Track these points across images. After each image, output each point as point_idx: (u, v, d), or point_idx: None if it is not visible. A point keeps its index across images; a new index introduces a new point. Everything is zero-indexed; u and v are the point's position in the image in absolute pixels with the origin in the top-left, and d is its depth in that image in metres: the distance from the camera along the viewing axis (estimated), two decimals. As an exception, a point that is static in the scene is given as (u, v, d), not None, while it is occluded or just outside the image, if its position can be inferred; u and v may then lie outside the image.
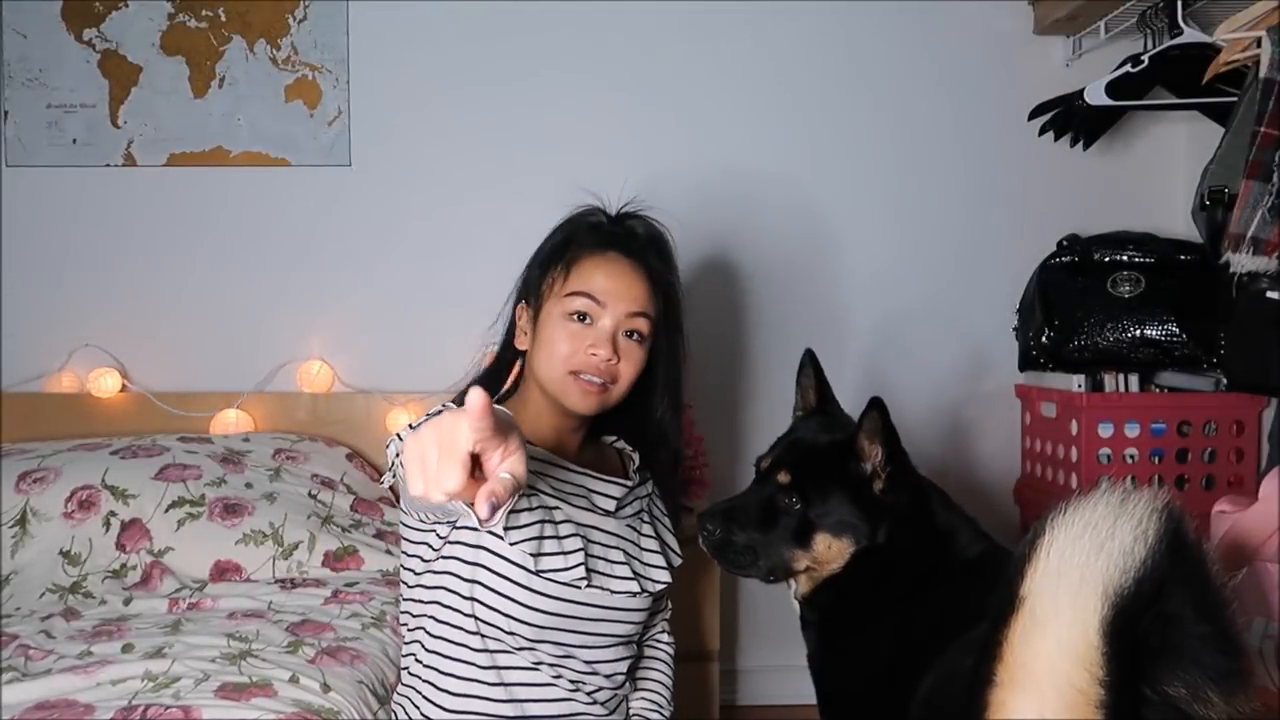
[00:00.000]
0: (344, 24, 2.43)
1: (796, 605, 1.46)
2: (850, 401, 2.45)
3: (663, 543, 1.50)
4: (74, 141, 2.42)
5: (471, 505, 0.86)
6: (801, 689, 1.49)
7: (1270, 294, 1.71)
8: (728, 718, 2.36)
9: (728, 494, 2.13)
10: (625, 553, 1.42)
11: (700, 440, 2.24)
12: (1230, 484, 2.18)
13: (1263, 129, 1.65)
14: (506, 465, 0.84)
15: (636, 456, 1.53)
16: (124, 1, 2.41)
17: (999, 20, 2.46)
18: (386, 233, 2.45)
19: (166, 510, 1.98)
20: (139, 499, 1.99)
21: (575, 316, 1.39)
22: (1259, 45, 1.68)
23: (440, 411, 1.25)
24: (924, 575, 1.34)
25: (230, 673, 1.46)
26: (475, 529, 1.34)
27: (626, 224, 1.48)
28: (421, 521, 1.36)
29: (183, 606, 1.80)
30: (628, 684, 1.50)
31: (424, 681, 1.38)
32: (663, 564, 1.47)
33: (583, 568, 1.34)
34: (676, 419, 1.50)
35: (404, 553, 1.43)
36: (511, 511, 1.25)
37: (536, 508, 1.33)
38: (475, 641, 1.35)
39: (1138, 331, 2.17)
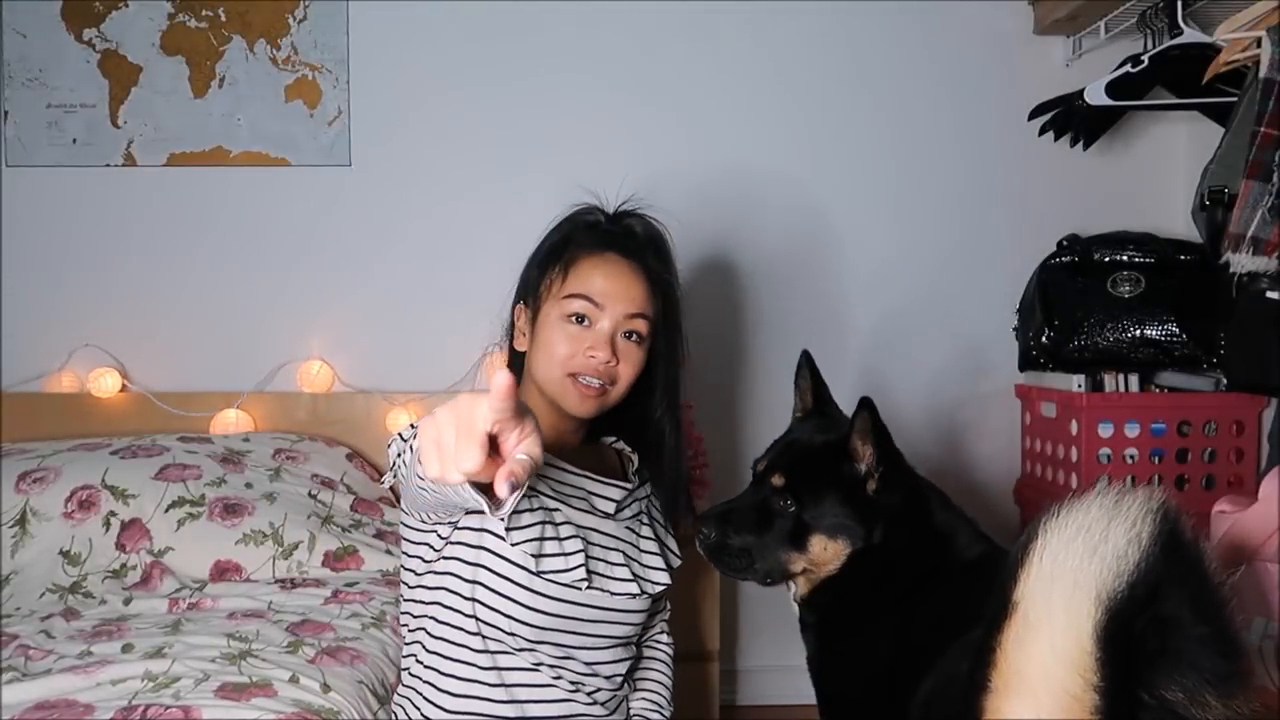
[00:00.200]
0: (344, 24, 2.43)
1: (795, 607, 1.46)
2: (851, 401, 2.45)
3: (662, 544, 1.50)
4: (74, 141, 2.42)
5: (483, 490, 0.86)
6: (801, 689, 1.49)
7: (1270, 294, 1.71)
8: (728, 718, 2.36)
9: (728, 494, 2.13)
10: (625, 554, 1.42)
11: (700, 440, 2.24)
12: (1230, 484, 2.18)
13: (1263, 129, 1.65)
14: (524, 447, 0.84)
15: (635, 458, 1.53)
16: (124, 1, 2.41)
17: (999, 20, 2.46)
18: (386, 233, 2.46)
19: (166, 510, 1.98)
20: (139, 499, 1.99)
21: (573, 318, 1.39)
22: (1259, 45, 1.68)
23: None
24: (923, 576, 1.34)
25: (230, 673, 1.46)
26: (477, 529, 1.34)
27: (624, 223, 1.48)
28: (423, 522, 1.36)
29: (183, 606, 1.80)
30: (627, 685, 1.50)
31: (424, 682, 1.38)
32: (662, 565, 1.47)
33: (583, 569, 1.34)
34: (675, 419, 1.50)
35: (404, 553, 1.43)
36: (513, 513, 1.25)
37: (537, 509, 1.33)
38: (476, 642, 1.35)
39: (1138, 331, 2.17)
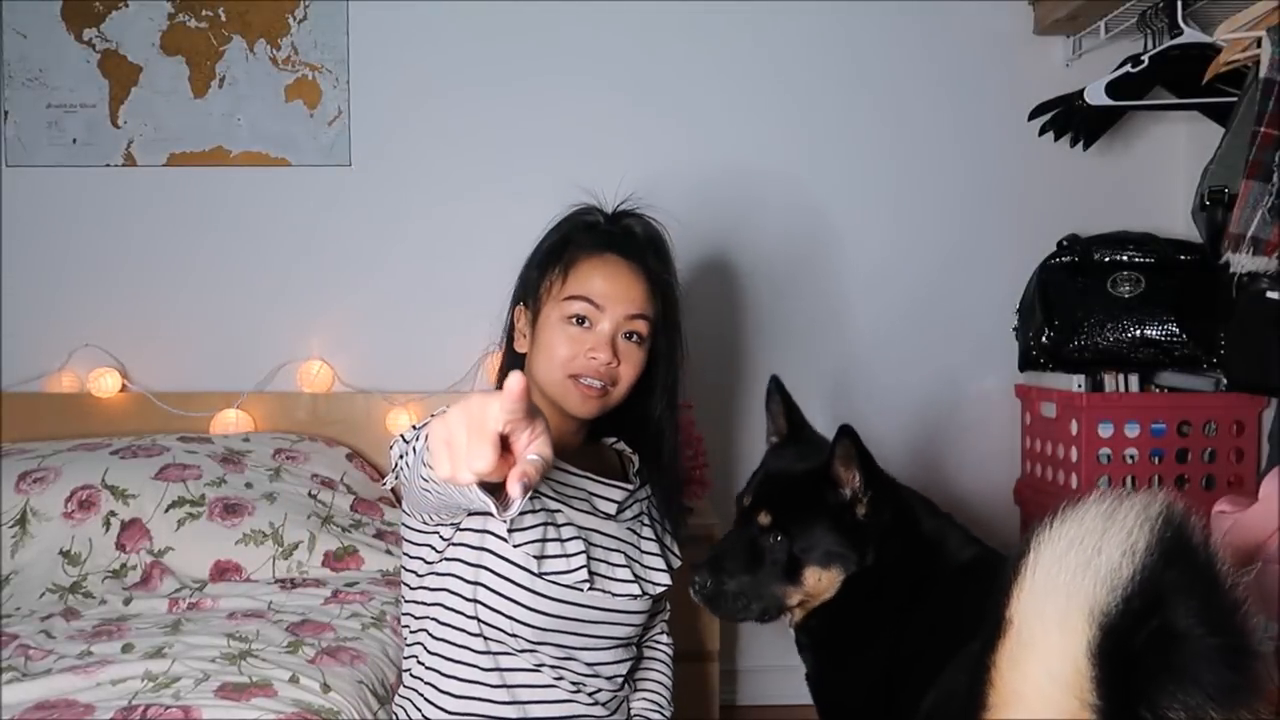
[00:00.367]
0: (344, 24, 2.43)
1: (792, 632, 1.45)
2: (851, 400, 2.46)
3: (662, 545, 1.50)
4: (74, 141, 2.42)
5: (492, 492, 0.86)
6: (801, 689, 1.49)
7: (1270, 294, 1.71)
8: (728, 718, 2.36)
9: (728, 494, 2.13)
10: (626, 555, 1.42)
11: (700, 440, 2.24)
12: (1230, 484, 2.18)
13: (1263, 129, 1.65)
14: (535, 447, 0.84)
15: (636, 459, 1.53)
16: (124, 1, 2.41)
17: (999, 20, 2.46)
18: (386, 233, 2.45)
19: (166, 510, 1.98)
20: (139, 499, 1.99)
21: (574, 320, 1.39)
22: (1259, 45, 1.68)
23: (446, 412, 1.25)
24: (917, 585, 1.34)
25: (230, 673, 1.46)
26: (479, 530, 1.34)
27: (623, 223, 1.48)
28: (425, 523, 1.36)
29: (183, 606, 1.80)
30: (628, 685, 1.50)
31: (426, 683, 1.38)
32: (662, 566, 1.47)
33: (585, 570, 1.34)
34: (673, 418, 1.50)
35: (406, 554, 1.43)
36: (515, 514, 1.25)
37: (539, 510, 1.34)
38: (478, 643, 1.35)
39: (1138, 331, 2.17)
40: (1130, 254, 2.22)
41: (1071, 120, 2.28)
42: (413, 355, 2.43)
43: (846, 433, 1.33)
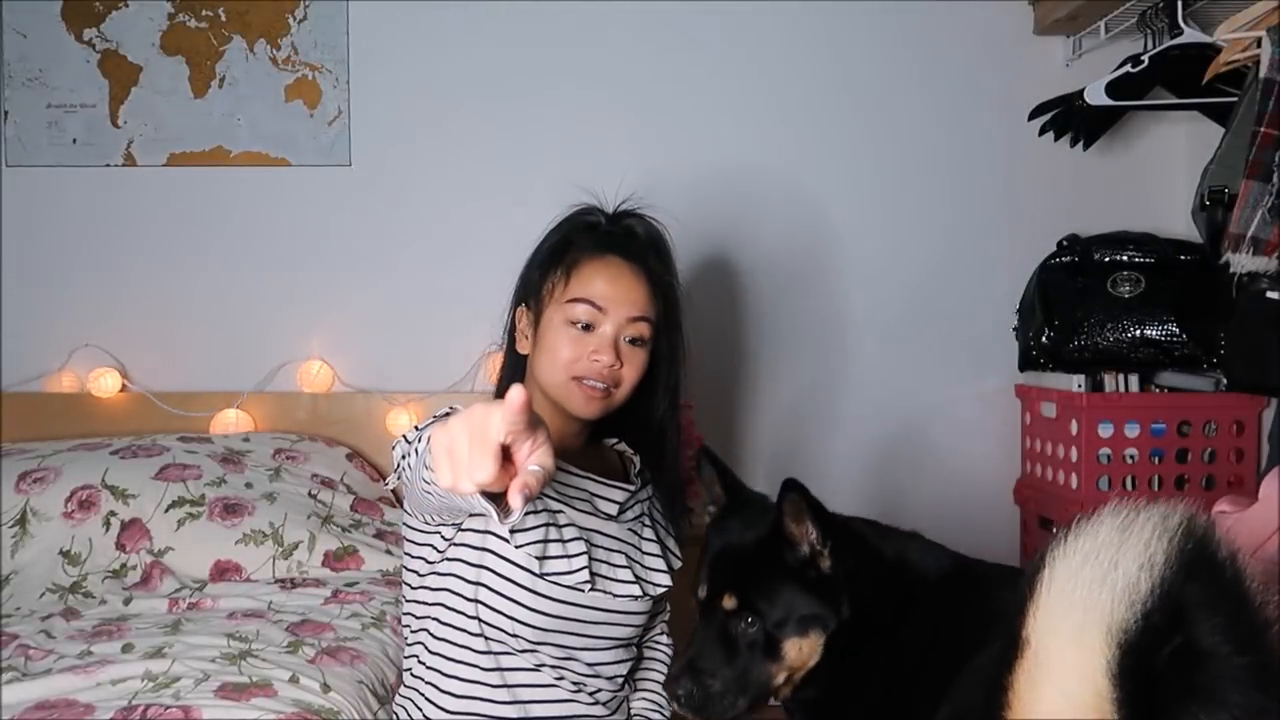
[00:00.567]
0: (344, 24, 2.43)
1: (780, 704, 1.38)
2: (850, 400, 2.46)
3: (663, 546, 1.50)
4: (74, 141, 2.42)
5: (493, 499, 0.86)
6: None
7: (1270, 294, 1.70)
8: (728, 718, 2.36)
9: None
10: (627, 556, 1.42)
11: (701, 440, 2.24)
12: (1230, 484, 2.18)
13: (1263, 129, 1.65)
14: (536, 457, 0.84)
15: (637, 460, 1.53)
16: (124, 1, 2.41)
17: (999, 20, 2.46)
18: (386, 233, 2.45)
19: (166, 510, 1.98)
20: (139, 499, 1.99)
21: (577, 323, 1.39)
22: (1259, 45, 1.68)
23: (448, 414, 1.25)
24: (897, 619, 1.27)
25: (230, 673, 1.46)
26: (480, 531, 1.34)
27: (624, 223, 1.48)
28: (427, 523, 1.36)
29: (183, 606, 1.80)
30: (628, 685, 1.50)
31: (426, 683, 1.38)
32: (663, 567, 1.47)
33: (586, 571, 1.34)
34: (675, 418, 1.50)
35: (407, 554, 1.43)
36: None
37: (541, 511, 1.34)
38: (479, 643, 1.35)
39: (1138, 331, 2.16)
40: (1130, 254, 2.22)
41: (1071, 120, 2.28)
42: (413, 355, 2.43)
43: (792, 487, 1.25)
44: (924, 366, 2.49)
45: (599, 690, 1.41)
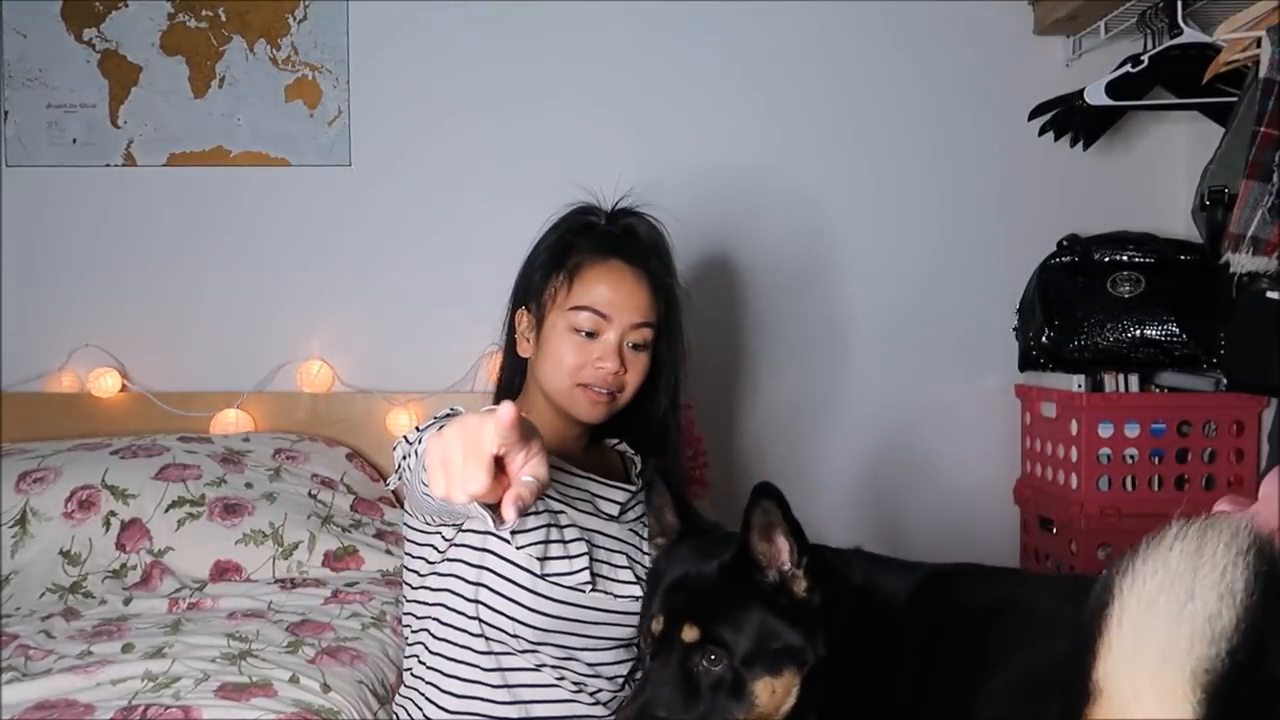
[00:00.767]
0: (344, 24, 2.43)
1: None
2: (850, 400, 2.46)
3: (664, 544, 1.50)
4: (74, 141, 2.42)
5: (490, 508, 0.86)
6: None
7: (1270, 294, 1.70)
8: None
9: (728, 494, 2.14)
10: (628, 557, 1.42)
11: (700, 440, 2.24)
12: (1230, 484, 2.18)
13: (1263, 129, 1.65)
14: (530, 468, 0.85)
15: (638, 460, 1.53)
16: (124, 1, 2.41)
17: (999, 20, 2.46)
18: (386, 233, 2.45)
19: (166, 510, 1.98)
20: (139, 499, 1.99)
21: (581, 331, 1.39)
22: (1259, 45, 1.68)
23: (449, 415, 1.25)
24: (875, 649, 1.11)
25: (230, 673, 1.46)
26: (481, 532, 1.34)
27: (624, 223, 1.48)
28: (427, 524, 1.36)
29: (183, 606, 1.80)
30: (629, 685, 1.50)
31: (427, 683, 1.38)
32: (663, 566, 1.47)
33: (587, 572, 1.34)
34: (675, 418, 1.50)
35: (408, 555, 1.43)
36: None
37: (543, 512, 1.33)
38: (479, 644, 1.35)
39: (1138, 331, 2.16)
40: (1130, 254, 2.22)
41: (1071, 120, 2.28)
42: (413, 355, 2.43)
43: (766, 492, 1.07)
44: (924, 366, 2.49)
45: (600, 690, 1.41)
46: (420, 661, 1.40)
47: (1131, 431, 2.18)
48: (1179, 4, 2.05)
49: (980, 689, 0.96)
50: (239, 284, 2.44)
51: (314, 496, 2.09)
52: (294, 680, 1.45)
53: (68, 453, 2.10)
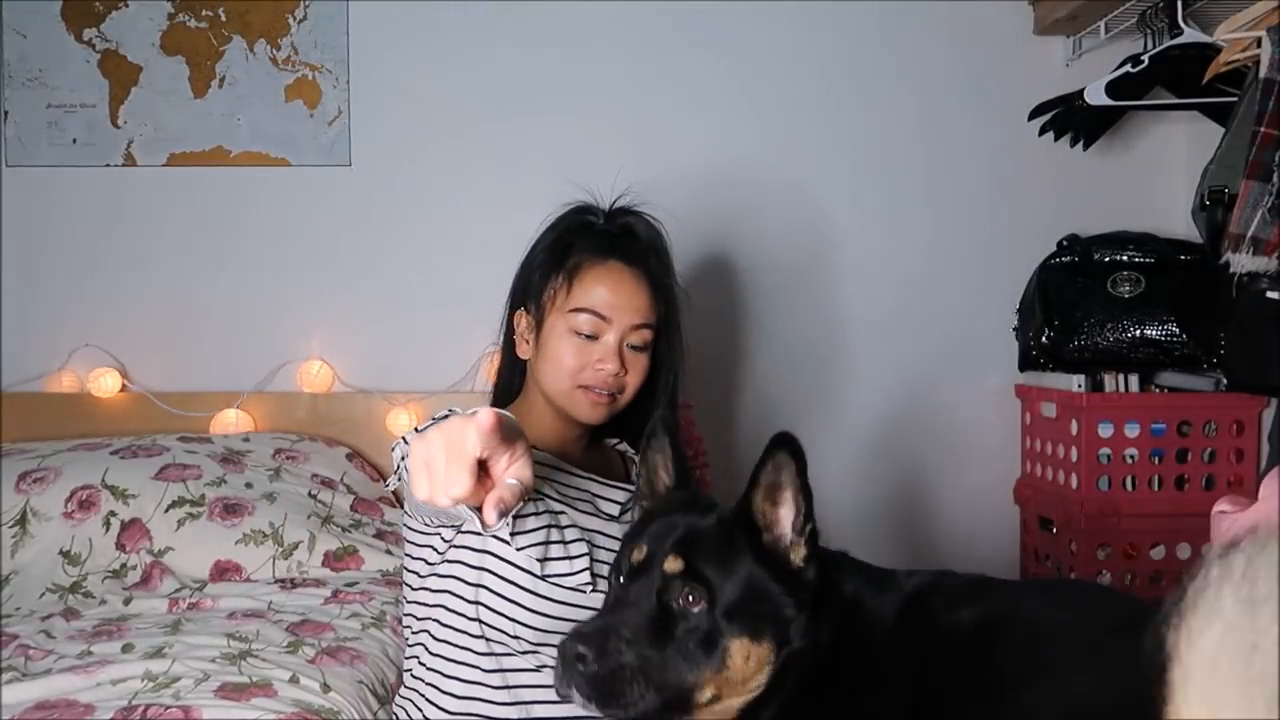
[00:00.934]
0: (344, 24, 2.43)
1: None
2: (849, 400, 2.46)
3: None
4: (74, 141, 2.42)
5: (477, 510, 0.86)
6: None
7: (1270, 294, 1.71)
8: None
9: (728, 494, 2.13)
10: (628, 556, 1.42)
11: (700, 440, 2.24)
12: (1230, 484, 2.18)
13: (1263, 129, 1.65)
14: (513, 471, 0.85)
15: (639, 460, 1.53)
16: (124, 1, 2.41)
17: (999, 20, 2.46)
18: (386, 233, 2.45)
19: (166, 510, 1.98)
20: (139, 499, 1.99)
21: (581, 333, 1.39)
22: (1259, 45, 1.68)
23: (448, 415, 1.25)
24: (864, 669, 1.00)
25: (230, 673, 1.46)
26: (479, 533, 1.34)
27: (622, 222, 1.47)
28: (426, 525, 1.36)
29: (183, 606, 1.80)
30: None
31: (427, 684, 1.38)
32: (663, 566, 1.47)
33: (588, 572, 1.34)
34: (674, 417, 1.50)
35: (408, 555, 1.43)
36: (518, 516, 1.25)
37: (543, 512, 1.33)
38: (480, 645, 1.35)
39: (1138, 331, 2.17)
40: (1130, 254, 2.22)
41: (1071, 120, 2.28)
42: (413, 355, 2.43)
43: (784, 442, 0.97)
44: (924, 366, 2.49)
45: (599, 690, 1.41)
46: (421, 662, 1.40)
47: (1131, 431, 2.18)
48: (1179, 4, 2.05)
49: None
50: (239, 284, 2.44)
51: (314, 496, 2.09)
52: (294, 680, 1.45)
53: (68, 453, 2.10)
